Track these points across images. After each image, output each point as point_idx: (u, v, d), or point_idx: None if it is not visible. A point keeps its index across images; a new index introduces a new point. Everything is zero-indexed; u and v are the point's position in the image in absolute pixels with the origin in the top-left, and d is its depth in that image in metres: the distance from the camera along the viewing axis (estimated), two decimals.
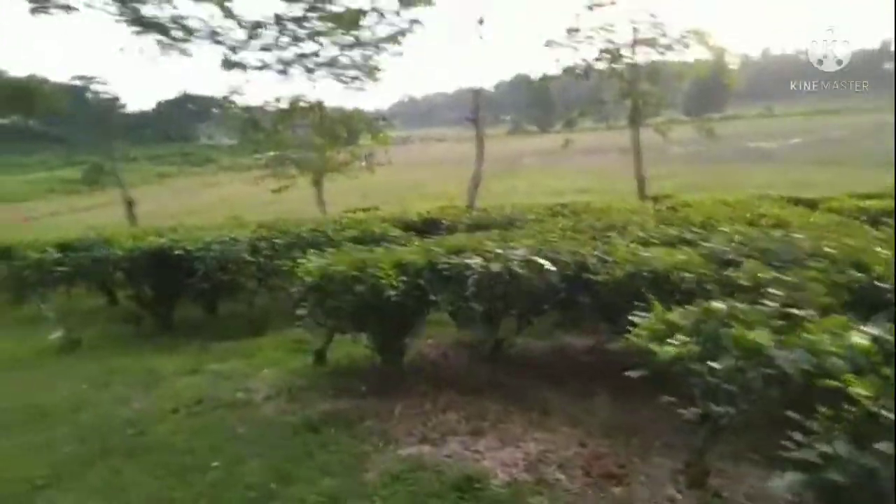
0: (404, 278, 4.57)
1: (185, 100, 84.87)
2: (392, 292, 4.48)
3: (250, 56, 22.81)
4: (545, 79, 24.86)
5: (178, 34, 25.28)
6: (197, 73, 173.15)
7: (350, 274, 4.67)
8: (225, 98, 28.47)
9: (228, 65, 22.79)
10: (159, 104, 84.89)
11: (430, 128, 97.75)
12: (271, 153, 24.65)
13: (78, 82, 71.56)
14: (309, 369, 5.68)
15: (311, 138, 23.37)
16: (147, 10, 24.42)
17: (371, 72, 22.82)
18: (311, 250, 5.96)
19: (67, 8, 24.80)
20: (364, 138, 27.54)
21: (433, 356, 6.15)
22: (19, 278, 7.20)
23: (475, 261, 4.66)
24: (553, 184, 32.37)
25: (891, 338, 2.64)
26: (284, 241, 7.21)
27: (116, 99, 78.38)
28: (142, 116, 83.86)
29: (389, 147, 27.56)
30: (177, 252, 6.78)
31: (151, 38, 25.27)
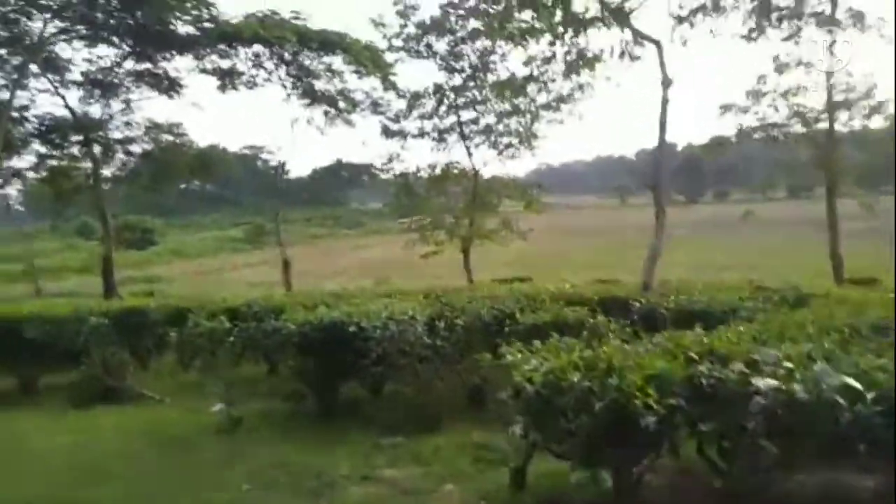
0: (671, 402, 3.30)
1: (339, 167, 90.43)
2: (651, 419, 3.22)
3: (409, 124, 23.23)
4: (706, 146, 22.93)
5: (344, 105, 26.61)
6: (350, 141, 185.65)
7: (586, 385, 3.48)
8: (372, 166, 29.37)
9: (389, 133, 23.31)
10: (314, 171, 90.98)
11: (568, 196, 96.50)
12: (418, 218, 24.69)
13: (248, 151, 78.88)
14: (504, 493, 4.49)
15: (462, 205, 23.03)
16: (319, 85, 26.06)
17: (529, 138, 22.25)
18: (507, 341, 4.86)
19: (252, 84, 27.11)
20: (505, 205, 26.88)
21: (657, 485, 4.75)
22: (190, 345, 6.77)
23: (767, 381, 3.30)
24: (715, 258, 29.58)
25: None
26: (464, 322, 6.22)
27: (283, 166, 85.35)
28: (298, 182, 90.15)
29: (532, 215, 26.69)
30: (351, 328, 6.02)
31: (320, 110, 26.88)
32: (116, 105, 32.14)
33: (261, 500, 4.52)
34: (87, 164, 32.76)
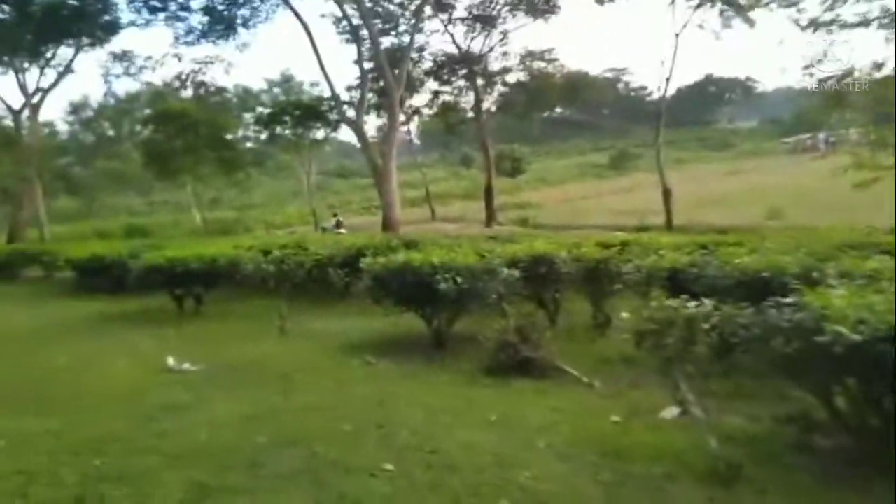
0: None
1: (707, 83, 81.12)
2: None
3: (845, 10, 17.27)
4: None
5: (746, 1, 21.52)
6: (717, 55, 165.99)
7: None
8: (748, 78, 23.35)
9: (815, 26, 17.77)
10: (679, 89, 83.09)
11: None
12: (810, 136, 18.69)
13: (609, 74, 75.64)
14: None
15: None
16: None
17: None
18: None
19: None
20: None
21: None
22: (651, 333, 4.53)
23: None
24: None
25: None
26: None
27: (644, 88, 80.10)
28: (662, 102, 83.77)
29: None
30: None
31: (713, 12, 22.37)
32: (495, 38, 32.56)
33: None
34: (471, 98, 34.39)
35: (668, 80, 28.56)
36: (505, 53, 32.50)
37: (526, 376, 6.23)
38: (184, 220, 43.16)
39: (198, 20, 27.88)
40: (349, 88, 32.32)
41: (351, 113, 28.21)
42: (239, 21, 26.90)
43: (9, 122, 28.48)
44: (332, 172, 65.00)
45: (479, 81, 32.67)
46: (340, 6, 27.04)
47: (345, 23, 29.50)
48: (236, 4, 26.31)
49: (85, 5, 26.78)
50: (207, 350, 7.82)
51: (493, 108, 35.87)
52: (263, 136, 38.74)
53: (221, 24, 27.03)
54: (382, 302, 7.66)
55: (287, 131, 33.54)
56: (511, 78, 34.03)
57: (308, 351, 7.68)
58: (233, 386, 6.22)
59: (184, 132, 31.55)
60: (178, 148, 31.86)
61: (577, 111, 76.12)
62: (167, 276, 10.41)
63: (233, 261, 10.29)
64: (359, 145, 29.24)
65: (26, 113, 27.79)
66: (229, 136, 36.06)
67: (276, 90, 57.07)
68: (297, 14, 25.40)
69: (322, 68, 25.62)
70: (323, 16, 31.22)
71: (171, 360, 6.93)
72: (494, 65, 32.98)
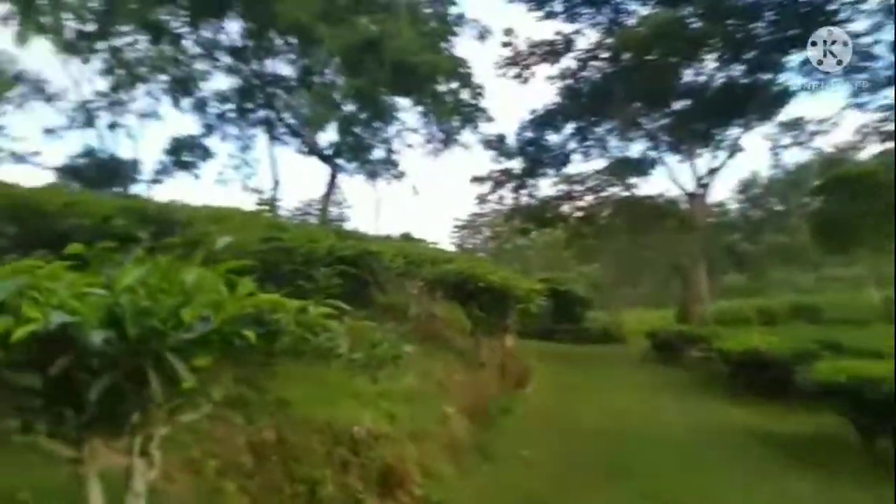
0: None
1: None
2: None
3: None
4: None
5: None
6: None
7: None
8: None
9: None
10: None
11: None
12: None
13: None
14: None
15: None
16: None
17: None
18: None
19: None
20: None
21: None
22: None
23: None
24: None
25: None
26: None
27: None
28: None
29: None
30: None
31: None
32: None
33: None
34: None
35: None
36: None
37: None
38: (858, 298, 36.72)
39: (882, 64, 22.85)
40: None
41: None
42: None
43: (685, 204, 30.08)
44: None
45: None
46: None
47: None
48: None
49: (755, 80, 25.91)
50: None
51: None
52: None
53: None
54: None
55: None
56: None
57: None
58: None
59: (860, 198, 26.29)
60: (853, 216, 26.74)
61: None
62: (847, 398, 7.15)
63: None
64: None
65: (697, 194, 28.81)
66: None
67: None
68: None
69: None
70: None
71: None
72: None
